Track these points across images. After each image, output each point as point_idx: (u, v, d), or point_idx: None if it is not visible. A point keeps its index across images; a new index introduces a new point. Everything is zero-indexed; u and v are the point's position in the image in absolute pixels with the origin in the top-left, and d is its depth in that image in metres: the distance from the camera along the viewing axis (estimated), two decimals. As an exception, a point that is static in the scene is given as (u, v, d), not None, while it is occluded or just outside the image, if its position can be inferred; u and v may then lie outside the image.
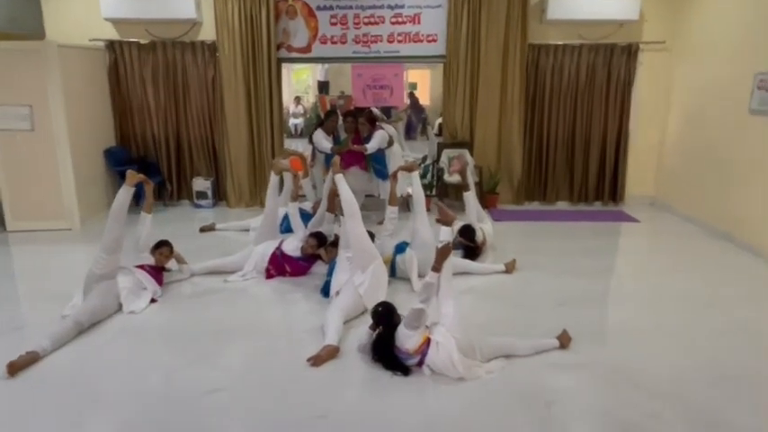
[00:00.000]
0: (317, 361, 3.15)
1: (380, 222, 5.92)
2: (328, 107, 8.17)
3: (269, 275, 4.51)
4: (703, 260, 5.11)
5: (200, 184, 6.93)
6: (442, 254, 3.10)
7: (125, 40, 6.60)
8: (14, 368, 3.04)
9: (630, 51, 6.64)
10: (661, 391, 2.94)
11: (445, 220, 3.38)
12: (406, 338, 3.02)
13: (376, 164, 6.10)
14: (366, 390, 3.00)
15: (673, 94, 6.72)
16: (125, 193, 3.92)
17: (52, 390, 2.96)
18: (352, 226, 3.97)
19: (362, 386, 3.03)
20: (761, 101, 5.12)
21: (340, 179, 4.13)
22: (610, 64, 6.66)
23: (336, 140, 6.01)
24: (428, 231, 4.42)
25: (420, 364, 3.06)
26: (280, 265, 4.52)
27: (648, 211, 6.77)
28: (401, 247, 4.54)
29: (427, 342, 3.04)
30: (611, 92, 6.73)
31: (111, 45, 6.60)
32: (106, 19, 6.47)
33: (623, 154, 6.90)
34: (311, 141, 6.06)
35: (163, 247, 4.30)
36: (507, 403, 2.85)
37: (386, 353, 3.10)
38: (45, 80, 5.64)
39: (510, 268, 4.70)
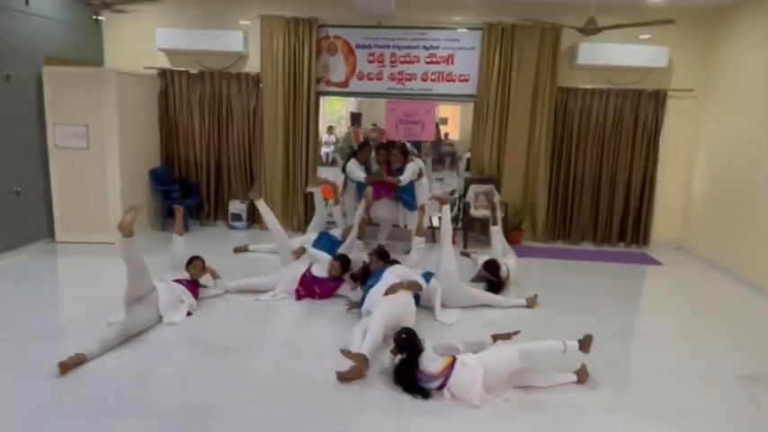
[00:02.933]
0: (343, 377, 3.29)
1: (407, 252, 6.11)
2: (361, 139, 8.46)
3: (299, 296, 4.73)
4: (726, 306, 5.14)
5: (236, 206, 7.25)
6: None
7: (176, 69, 7.07)
8: (65, 368, 3.30)
9: (658, 97, 6.80)
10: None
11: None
12: (431, 361, 3.20)
13: (404, 195, 6.33)
14: (386, 411, 3.13)
15: (700, 141, 6.83)
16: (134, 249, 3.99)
17: (95, 394, 3.18)
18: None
19: (383, 407, 3.17)
20: (786, 152, 5.20)
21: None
22: (637, 109, 6.83)
23: (368, 171, 6.28)
24: (453, 263, 4.59)
25: (442, 386, 3.20)
26: (309, 287, 4.74)
27: (673, 255, 6.81)
28: (426, 277, 4.71)
29: (452, 364, 3.19)
30: (639, 136, 6.88)
31: (163, 73, 7.08)
32: (160, 49, 6.96)
33: (649, 197, 7.00)
34: (344, 171, 6.33)
35: (196, 261, 4.59)
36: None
37: (407, 377, 3.26)
38: (101, 103, 6.09)
39: (531, 303, 4.82)
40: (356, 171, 6.17)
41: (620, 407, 3.23)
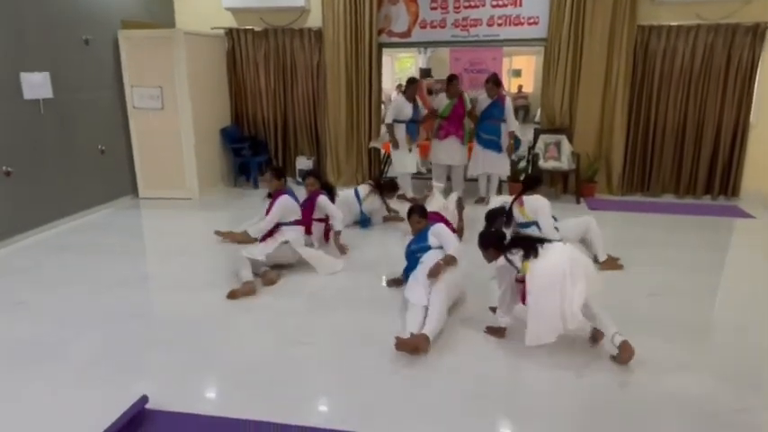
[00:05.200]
0: (401, 345, 3.01)
1: (478, 200, 5.96)
2: (425, 93, 8.23)
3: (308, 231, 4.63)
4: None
5: (303, 162, 7.39)
6: None
7: (242, 27, 7.18)
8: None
9: (757, 32, 6.08)
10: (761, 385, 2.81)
11: None
12: None
13: (486, 134, 6.00)
14: (433, 356, 3.13)
15: (806, 80, 6.08)
16: None
17: (184, 329, 3.45)
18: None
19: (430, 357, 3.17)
20: None
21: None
22: (731, 46, 6.15)
23: (415, 108, 6.07)
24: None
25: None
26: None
27: (768, 208, 6.21)
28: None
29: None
30: (731, 77, 6.22)
31: (229, 32, 7.22)
32: (226, 8, 7.07)
33: (741, 145, 6.36)
34: (390, 128, 6.10)
35: (308, 177, 4.75)
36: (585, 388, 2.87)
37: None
38: (173, 64, 6.33)
39: (606, 266, 4.32)
40: (400, 107, 6.01)
41: (695, 364, 3.02)
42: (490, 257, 3.24)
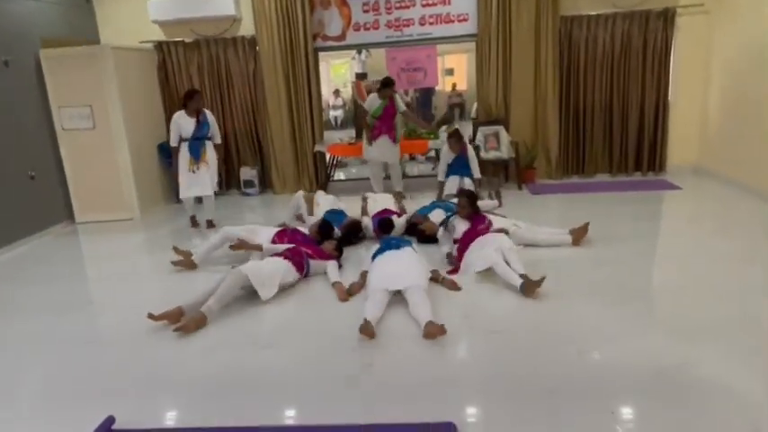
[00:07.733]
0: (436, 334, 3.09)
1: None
2: (365, 94, 8.30)
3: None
4: (746, 222, 5.04)
5: (247, 172, 7.28)
6: None
7: (172, 40, 7.01)
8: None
9: (667, 16, 6.53)
10: (698, 339, 3.01)
11: None
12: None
13: (457, 173, 5.83)
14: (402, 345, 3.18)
15: (714, 58, 6.57)
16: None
17: (141, 349, 3.32)
18: None
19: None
20: (804, 56, 4.98)
21: None
22: (645, 31, 6.58)
23: (199, 124, 5.51)
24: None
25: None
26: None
27: (691, 179, 6.67)
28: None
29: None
30: (648, 60, 6.65)
31: (159, 46, 7.03)
32: (154, 21, 6.89)
33: (663, 122, 6.81)
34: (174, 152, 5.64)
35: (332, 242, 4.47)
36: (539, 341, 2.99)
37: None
38: (102, 81, 6.10)
39: (577, 239, 4.53)
40: (178, 125, 5.44)
41: (641, 325, 3.21)
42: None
